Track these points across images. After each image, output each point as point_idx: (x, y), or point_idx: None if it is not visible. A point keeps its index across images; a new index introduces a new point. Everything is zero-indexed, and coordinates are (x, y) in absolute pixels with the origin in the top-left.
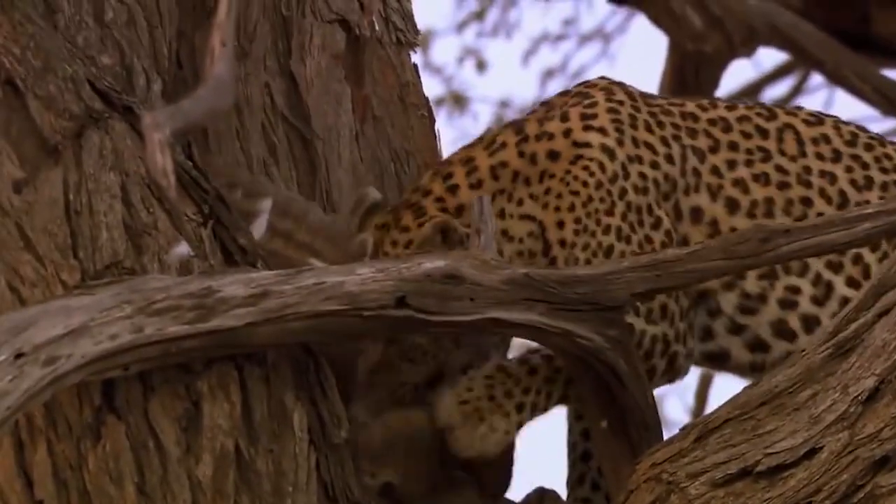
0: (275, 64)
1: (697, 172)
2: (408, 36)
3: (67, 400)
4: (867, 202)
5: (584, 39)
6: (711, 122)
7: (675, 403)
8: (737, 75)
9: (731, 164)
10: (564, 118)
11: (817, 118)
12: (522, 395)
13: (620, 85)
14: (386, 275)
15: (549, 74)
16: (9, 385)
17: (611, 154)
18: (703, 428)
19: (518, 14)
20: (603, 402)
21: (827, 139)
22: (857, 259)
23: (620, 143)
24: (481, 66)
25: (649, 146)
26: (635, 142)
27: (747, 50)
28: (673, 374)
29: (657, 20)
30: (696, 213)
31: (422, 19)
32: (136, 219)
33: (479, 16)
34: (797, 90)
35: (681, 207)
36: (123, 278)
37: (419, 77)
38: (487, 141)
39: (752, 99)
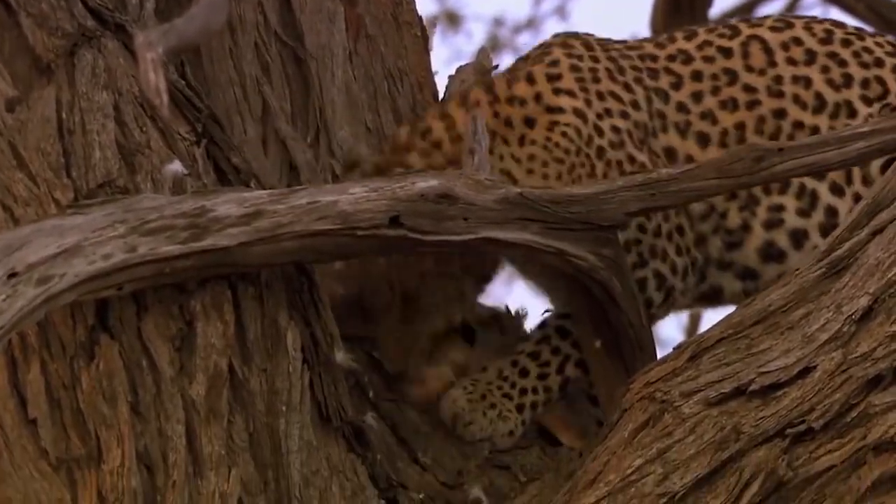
0: None
1: (662, 114)
2: None
3: (61, 319)
4: (847, 101)
5: None
6: (671, 57)
7: (668, 322)
8: None
9: (697, 97)
10: (531, 80)
11: (786, 22)
12: (532, 395)
13: (577, 36)
14: (379, 194)
15: None
16: (2, 304)
17: (583, 117)
18: (696, 347)
19: None
20: (597, 321)
21: (798, 41)
22: None
23: (588, 102)
24: None
25: (615, 96)
26: (601, 96)
27: None
28: (667, 307)
29: None
30: (671, 154)
31: None
32: (129, 138)
33: None
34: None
35: (655, 150)
36: (116, 197)
37: None
38: (460, 97)
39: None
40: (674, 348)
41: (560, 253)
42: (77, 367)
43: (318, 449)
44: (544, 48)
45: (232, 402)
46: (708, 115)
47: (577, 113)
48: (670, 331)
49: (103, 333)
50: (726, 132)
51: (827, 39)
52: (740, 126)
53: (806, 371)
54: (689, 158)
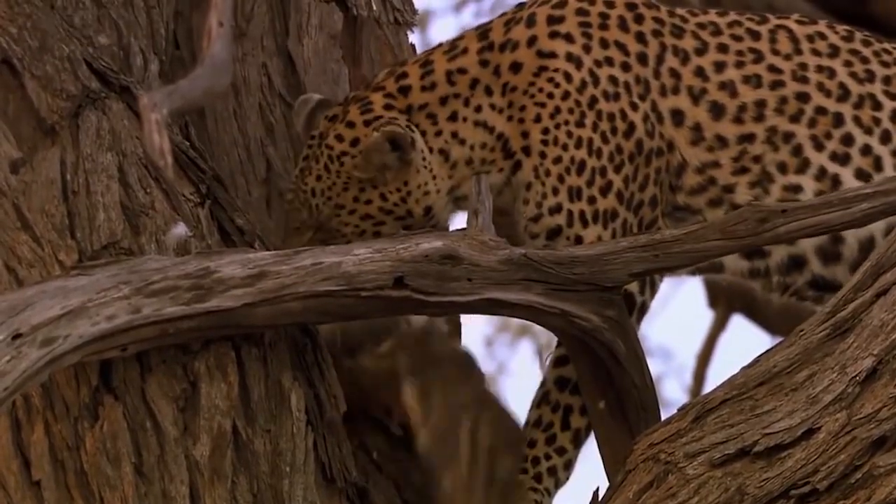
0: (272, 44)
1: (677, 74)
2: (405, 16)
3: (65, 380)
4: (871, 94)
5: None
6: (701, 25)
7: (672, 384)
8: None
9: (720, 67)
10: (531, 23)
11: (811, 19)
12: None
13: None
14: (383, 255)
15: None
16: (6, 366)
17: (577, 62)
18: (700, 408)
19: None
20: (600, 382)
21: (822, 36)
22: (867, 150)
23: (587, 48)
24: None
25: (621, 46)
26: (604, 43)
27: None
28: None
29: None
30: (678, 116)
31: None
32: (133, 199)
33: None
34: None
35: (660, 109)
36: (121, 259)
37: None
38: (449, 44)
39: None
40: (678, 409)
41: (564, 314)
42: (81, 429)
43: None
44: None
45: (236, 463)
46: (728, 86)
47: (571, 57)
48: (674, 392)
49: (107, 394)
50: (745, 107)
51: (848, 38)
52: (760, 104)
53: (810, 432)
54: (697, 127)
